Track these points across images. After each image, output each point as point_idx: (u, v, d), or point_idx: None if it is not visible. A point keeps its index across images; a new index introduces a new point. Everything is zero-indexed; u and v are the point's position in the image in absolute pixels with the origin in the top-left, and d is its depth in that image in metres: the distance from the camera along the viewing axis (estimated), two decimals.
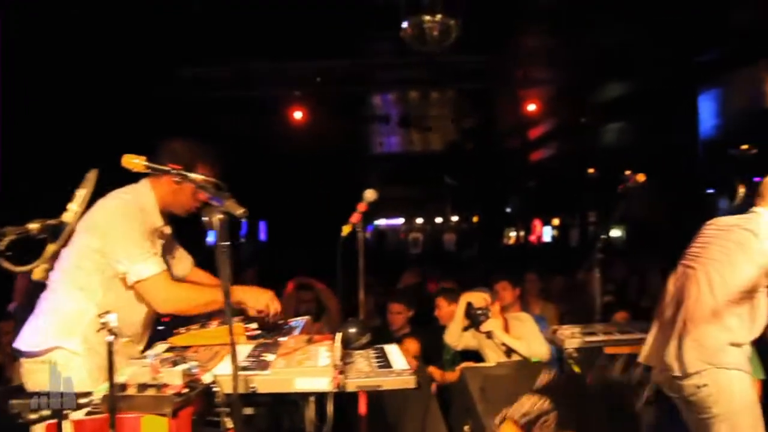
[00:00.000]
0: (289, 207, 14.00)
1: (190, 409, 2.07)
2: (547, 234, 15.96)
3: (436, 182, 16.88)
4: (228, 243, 2.12)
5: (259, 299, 3.06)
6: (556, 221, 15.51)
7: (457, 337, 5.01)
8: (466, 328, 4.99)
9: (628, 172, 4.23)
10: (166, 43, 7.80)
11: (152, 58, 8.07)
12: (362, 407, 3.40)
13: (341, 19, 8.00)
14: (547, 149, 14.77)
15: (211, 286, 2.99)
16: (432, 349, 5.34)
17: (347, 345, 2.80)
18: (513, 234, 17.44)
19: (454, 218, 19.92)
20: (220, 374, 2.26)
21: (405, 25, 5.96)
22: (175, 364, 2.15)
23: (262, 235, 15.56)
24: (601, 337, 4.07)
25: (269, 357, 2.53)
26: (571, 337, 4.03)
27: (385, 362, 2.55)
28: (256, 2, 7.55)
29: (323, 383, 2.30)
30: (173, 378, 2.06)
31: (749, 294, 3.09)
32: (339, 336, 2.56)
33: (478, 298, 4.99)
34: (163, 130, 3.13)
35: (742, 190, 11.40)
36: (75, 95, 6.59)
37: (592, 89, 11.69)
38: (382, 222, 21.09)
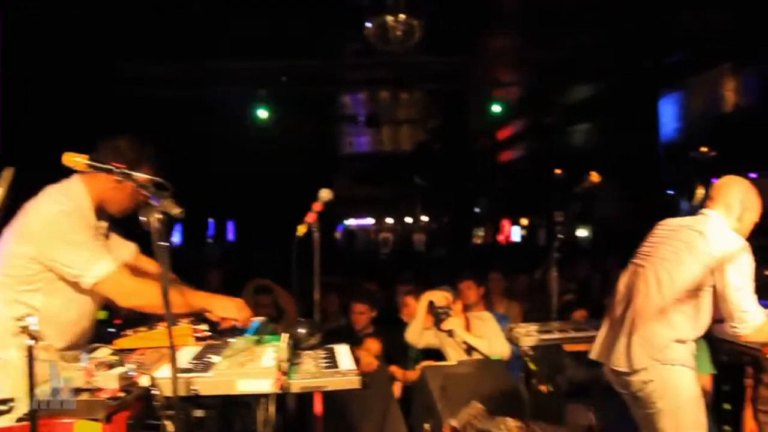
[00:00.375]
0: (258, 207, 13.90)
1: (126, 413, 2.03)
2: (515, 234, 16.07)
3: (406, 182, 16.91)
4: (167, 243, 2.08)
5: (227, 308, 3.00)
6: (524, 221, 15.61)
7: (417, 335, 5.03)
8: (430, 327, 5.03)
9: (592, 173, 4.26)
10: (132, 40, 7.71)
11: (117, 55, 7.97)
12: (318, 407, 3.39)
13: (308, 18, 7.97)
14: (515, 150, 14.86)
15: (176, 287, 2.93)
16: (396, 349, 5.35)
17: (297, 345, 2.78)
18: (482, 234, 17.52)
19: (424, 218, 19.94)
20: (161, 377, 2.22)
21: (369, 24, 5.94)
22: (111, 367, 2.10)
23: (231, 235, 15.45)
24: (556, 335, 4.11)
25: (214, 359, 2.50)
26: (527, 336, 4.05)
27: (332, 363, 2.54)
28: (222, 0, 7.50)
29: (266, 384, 2.28)
30: (108, 382, 2.02)
31: (695, 293, 3.15)
32: (285, 336, 2.53)
33: (439, 296, 5.01)
34: (127, 128, 3.06)
35: (701, 192, 11.58)
36: (37, 89, 6.48)
37: (559, 91, 11.80)
38: (352, 222, 21.02)
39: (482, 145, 14.89)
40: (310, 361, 2.58)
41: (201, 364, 2.43)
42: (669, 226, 3.42)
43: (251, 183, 13.28)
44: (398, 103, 12.12)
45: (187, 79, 9.36)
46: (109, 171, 2.36)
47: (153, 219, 2.05)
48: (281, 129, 10.71)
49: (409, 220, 20.48)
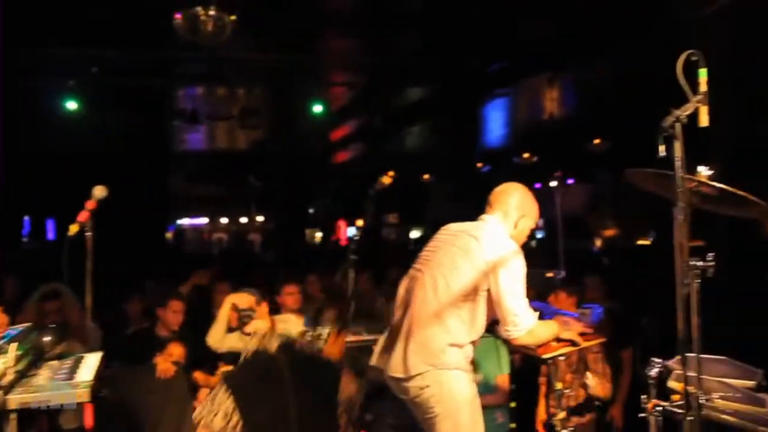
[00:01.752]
0: (81, 205, 12.93)
1: None
2: (351, 234, 16.23)
3: (242, 182, 16.58)
4: None
5: None
6: (360, 222, 15.70)
7: (219, 339, 4.91)
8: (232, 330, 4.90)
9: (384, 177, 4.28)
10: None
11: None
12: (88, 420, 3.16)
13: (127, 8, 7.55)
14: (350, 151, 14.99)
15: None
16: (204, 353, 5.17)
17: (41, 355, 2.56)
18: (319, 234, 17.57)
19: (260, 218, 19.66)
20: None
21: (178, 16, 5.69)
22: None
23: (51, 234, 14.37)
24: (350, 338, 4.10)
25: None
26: (317, 339, 4.01)
27: (69, 374, 2.33)
28: None
29: None
30: None
31: (470, 297, 3.17)
32: (13, 347, 2.30)
33: (242, 298, 4.93)
34: None
35: None
36: None
37: (392, 93, 11.98)
38: (185, 222, 20.29)
39: (316, 145, 14.89)
40: (47, 373, 2.36)
41: None
42: (448, 231, 3.44)
43: (73, 179, 12.37)
44: (233, 100, 11.81)
45: None
46: None
47: None
48: (103, 123, 10.09)
49: (244, 220, 20.11)
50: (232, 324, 4.92)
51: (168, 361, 4.81)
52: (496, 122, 12.83)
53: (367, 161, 13.98)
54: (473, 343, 3.29)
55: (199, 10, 5.53)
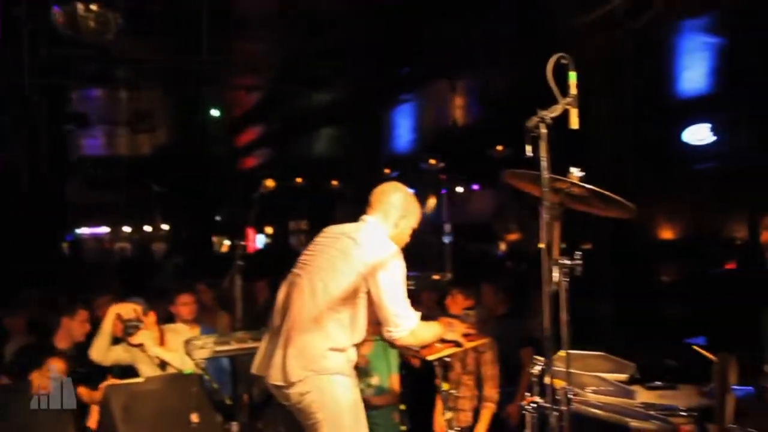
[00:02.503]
0: None
1: None
2: (260, 242, 16.06)
3: (145, 189, 16.05)
4: None
5: None
6: (269, 229, 15.59)
7: (103, 352, 4.75)
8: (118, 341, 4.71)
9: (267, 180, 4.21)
10: None
11: None
12: None
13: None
14: (257, 156, 14.80)
15: None
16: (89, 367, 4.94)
17: None
18: (227, 242, 17.28)
19: (165, 227, 19.12)
20: None
21: (57, 9, 5.41)
22: None
23: None
24: (233, 346, 4.00)
25: None
26: (201, 348, 3.90)
27: None
28: None
29: None
30: None
31: (350, 300, 3.13)
32: None
33: (127, 308, 4.77)
34: None
35: (432, 201, 12.41)
36: None
37: (299, 98, 11.87)
38: (85, 231, 19.46)
39: (220, 151, 14.61)
40: None
41: None
42: (329, 234, 3.39)
43: None
44: (130, 104, 11.41)
45: None
46: None
47: None
48: None
49: (148, 228, 19.50)
50: (117, 335, 4.75)
51: (45, 376, 4.57)
52: (403, 128, 12.90)
53: (274, 167, 13.82)
54: (356, 346, 3.26)
55: (79, 5, 5.25)
